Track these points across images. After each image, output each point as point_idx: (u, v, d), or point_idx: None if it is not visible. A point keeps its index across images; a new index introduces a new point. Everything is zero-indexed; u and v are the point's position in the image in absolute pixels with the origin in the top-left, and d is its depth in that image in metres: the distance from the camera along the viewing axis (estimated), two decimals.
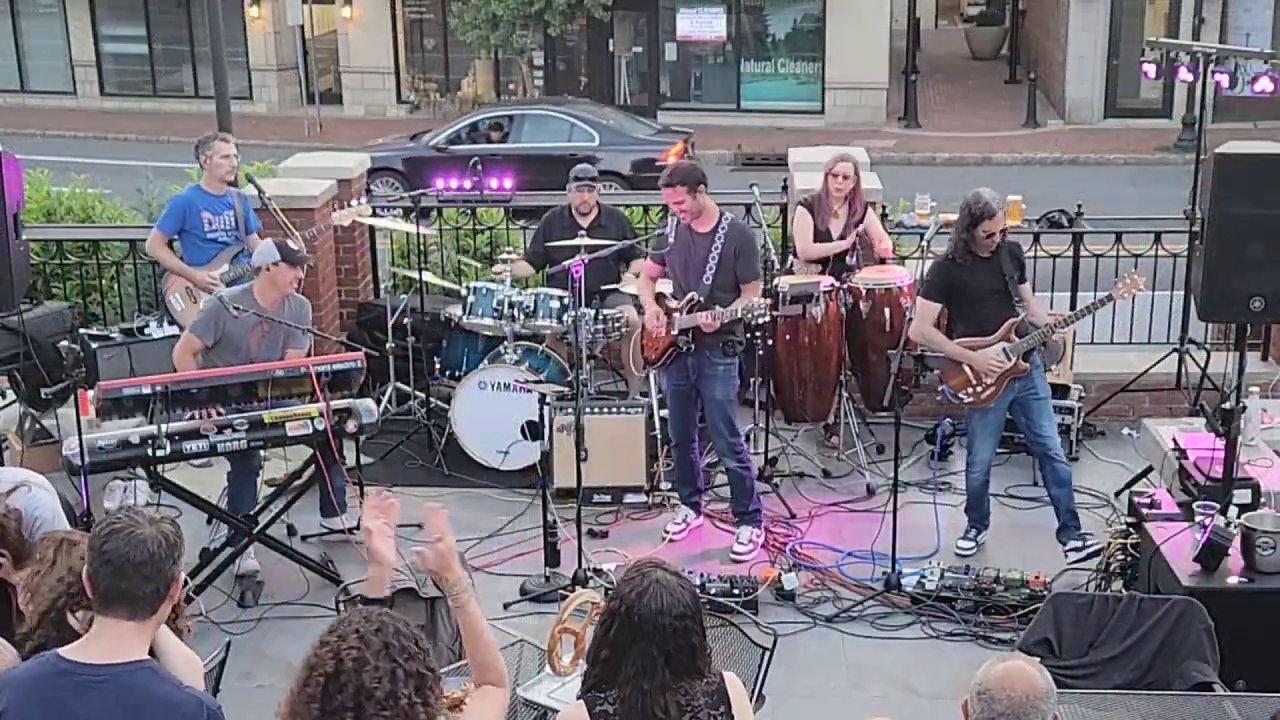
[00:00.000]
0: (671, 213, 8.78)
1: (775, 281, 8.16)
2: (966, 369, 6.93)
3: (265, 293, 7.07)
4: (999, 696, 3.23)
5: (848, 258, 8.32)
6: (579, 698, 3.57)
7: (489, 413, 8.09)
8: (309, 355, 7.43)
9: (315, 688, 2.99)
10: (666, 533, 7.46)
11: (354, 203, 8.86)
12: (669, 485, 7.84)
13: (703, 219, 7.02)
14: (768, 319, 7.14)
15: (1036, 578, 6.73)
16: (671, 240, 7.22)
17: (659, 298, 7.25)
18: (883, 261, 8.65)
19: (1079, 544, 6.97)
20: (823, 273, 8.30)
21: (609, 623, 3.51)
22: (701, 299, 7.01)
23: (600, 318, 8.13)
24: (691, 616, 3.49)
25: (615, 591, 3.55)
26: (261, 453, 7.08)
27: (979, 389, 6.95)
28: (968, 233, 6.78)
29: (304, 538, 7.47)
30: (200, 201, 8.33)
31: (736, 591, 6.68)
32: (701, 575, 6.77)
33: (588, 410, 7.45)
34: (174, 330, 8.23)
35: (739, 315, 6.93)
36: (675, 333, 7.08)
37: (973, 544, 7.22)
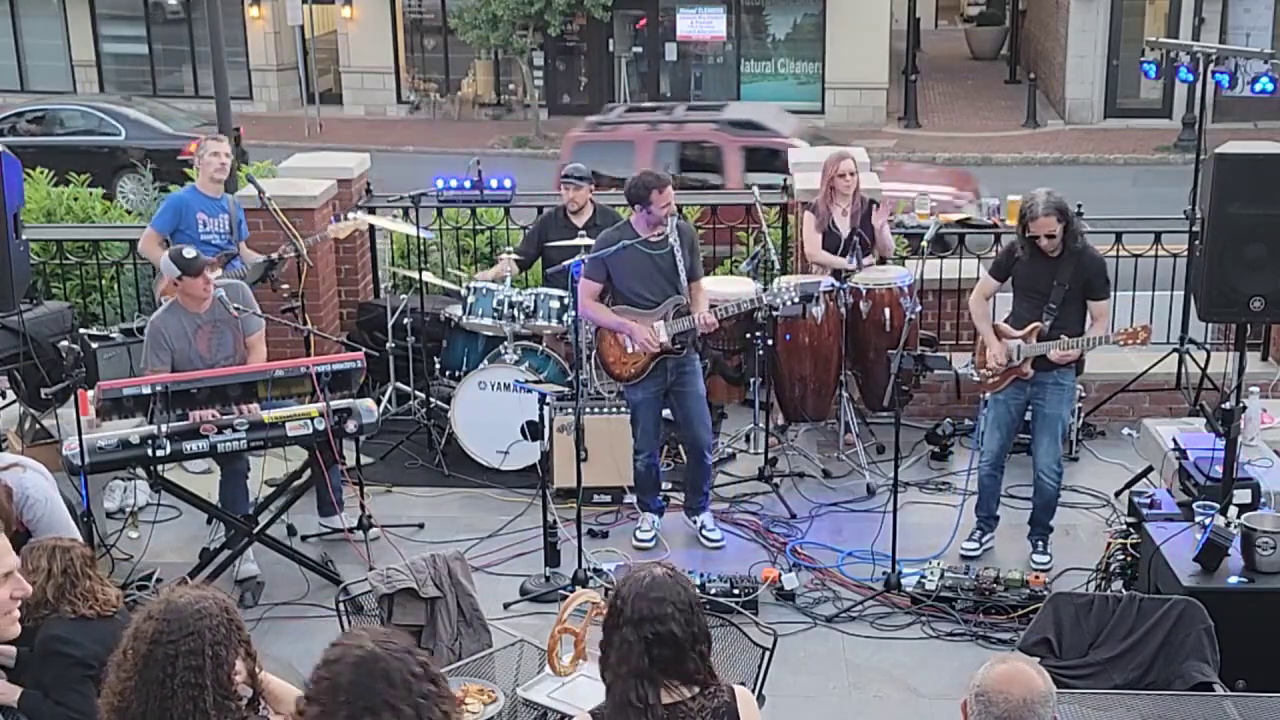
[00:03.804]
0: (671, 213, 8.77)
1: (775, 281, 8.15)
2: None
3: (188, 304, 6.96)
4: (996, 699, 3.21)
5: (849, 259, 8.32)
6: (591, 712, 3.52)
7: (489, 413, 8.09)
8: (309, 355, 7.44)
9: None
10: (639, 541, 7.40)
11: (351, 215, 8.84)
12: (669, 485, 7.83)
13: (655, 227, 7.05)
14: (799, 300, 7.48)
15: (1036, 578, 6.74)
16: (600, 262, 7.12)
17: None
18: (882, 260, 8.64)
19: (1043, 559, 7.06)
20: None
21: (608, 620, 3.50)
22: (687, 300, 7.09)
23: None
24: (675, 604, 3.43)
25: (616, 588, 3.55)
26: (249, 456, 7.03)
27: (986, 374, 7.08)
28: (1020, 227, 6.86)
29: (304, 538, 7.47)
30: (196, 202, 8.24)
31: (736, 591, 6.67)
32: (702, 575, 6.76)
33: (587, 410, 7.45)
34: None
35: (762, 303, 7.41)
36: (666, 340, 7.07)
37: (976, 545, 7.21)
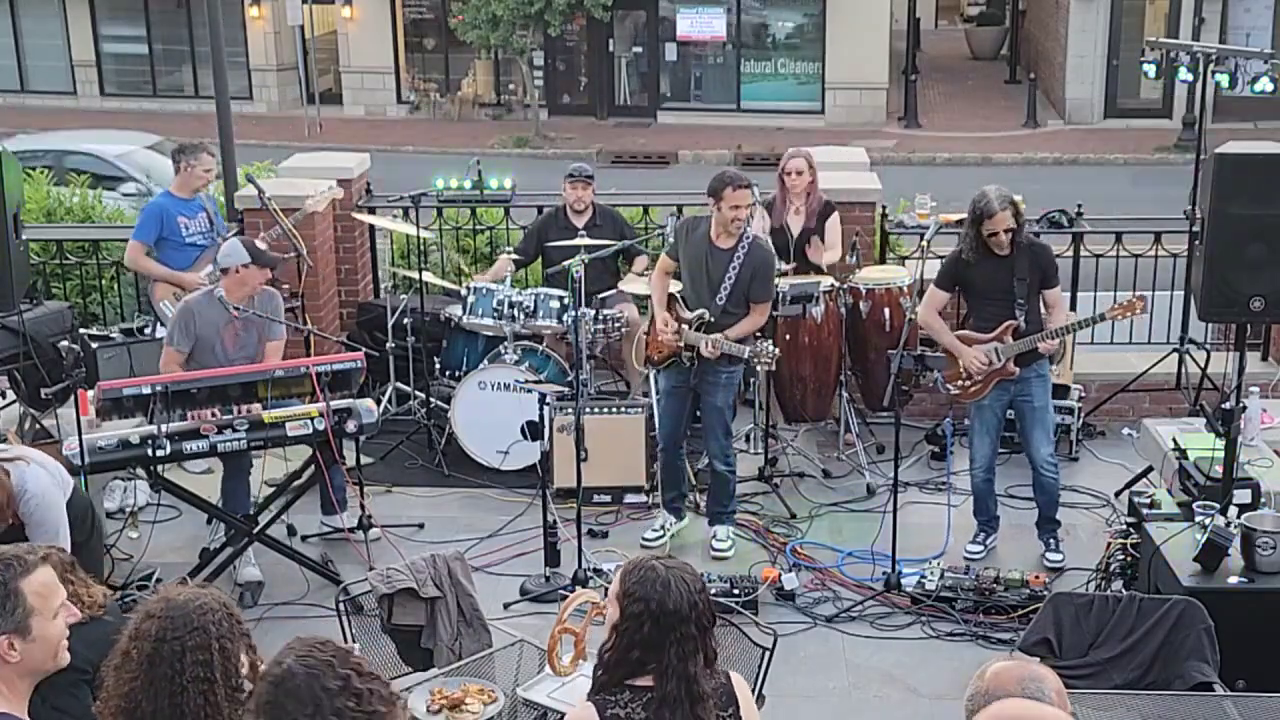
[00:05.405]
0: (671, 214, 8.77)
1: (775, 282, 8.12)
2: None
3: (232, 292, 7.00)
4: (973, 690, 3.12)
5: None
6: (589, 698, 3.52)
7: (489, 413, 8.09)
8: (309, 355, 7.44)
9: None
10: (645, 540, 7.39)
11: (323, 189, 8.82)
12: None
13: (726, 235, 6.97)
14: (774, 368, 7.11)
15: (1036, 578, 6.73)
16: (673, 240, 7.20)
17: (671, 301, 7.21)
18: (819, 270, 8.28)
19: (1057, 557, 7.04)
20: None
21: (639, 623, 3.45)
22: (712, 319, 6.98)
23: (600, 318, 8.14)
24: (705, 591, 3.59)
25: (635, 594, 3.48)
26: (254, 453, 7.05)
27: (966, 384, 7.01)
28: (973, 229, 6.79)
29: (304, 538, 7.47)
30: (174, 207, 8.30)
31: (736, 591, 6.67)
32: (703, 575, 6.73)
33: (588, 410, 7.45)
34: None
35: (744, 355, 6.90)
36: (680, 345, 7.06)
37: (981, 548, 7.20)
